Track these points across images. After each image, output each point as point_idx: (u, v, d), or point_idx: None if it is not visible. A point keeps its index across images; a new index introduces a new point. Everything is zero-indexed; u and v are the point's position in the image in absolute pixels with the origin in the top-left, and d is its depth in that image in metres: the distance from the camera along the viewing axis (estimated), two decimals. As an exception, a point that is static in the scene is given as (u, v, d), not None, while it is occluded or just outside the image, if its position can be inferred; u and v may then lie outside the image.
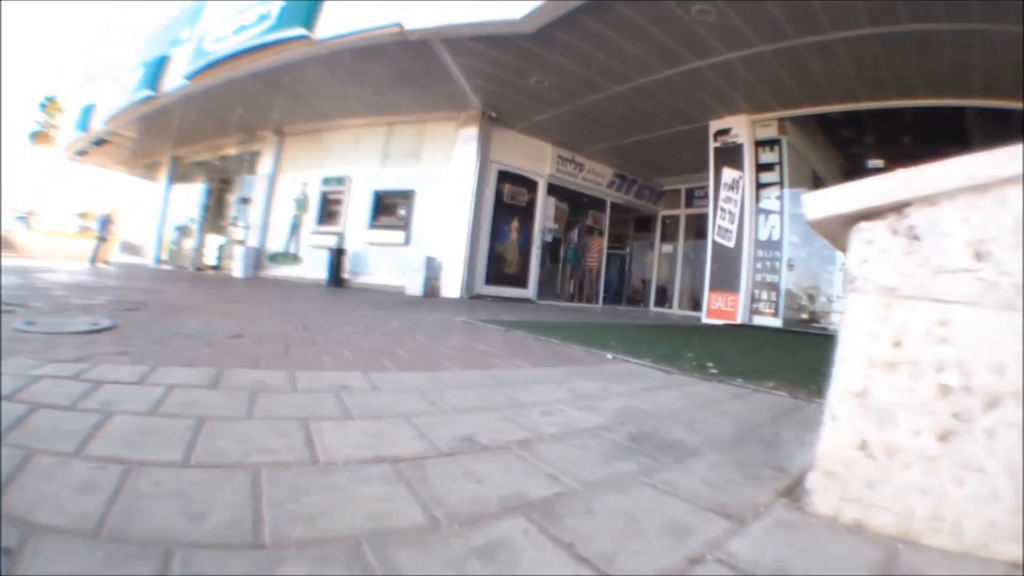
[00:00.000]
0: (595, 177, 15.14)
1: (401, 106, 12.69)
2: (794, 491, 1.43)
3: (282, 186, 15.77)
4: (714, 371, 3.73)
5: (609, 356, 4.11)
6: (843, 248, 1.46)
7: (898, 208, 1.29)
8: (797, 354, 5.73)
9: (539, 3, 7.83)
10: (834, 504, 1.27)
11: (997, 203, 1.18)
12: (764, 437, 2.05)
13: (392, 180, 13.51)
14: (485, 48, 9.33)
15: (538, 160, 13.52)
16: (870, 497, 1.23)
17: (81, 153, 22.27)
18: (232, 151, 17.40)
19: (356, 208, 13.97)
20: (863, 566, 1.07)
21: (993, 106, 8.76)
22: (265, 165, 16.14)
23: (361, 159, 14.04)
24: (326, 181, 14.68)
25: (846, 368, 1.30)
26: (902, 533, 1.19)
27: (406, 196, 13.19)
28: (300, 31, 10.41)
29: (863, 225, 1.34)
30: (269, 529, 0.99)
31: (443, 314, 6.98)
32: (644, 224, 18.27)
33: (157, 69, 14.83)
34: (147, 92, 14.83)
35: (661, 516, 1.23)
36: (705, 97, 10.48)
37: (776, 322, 10.34)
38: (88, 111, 19.72)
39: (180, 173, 20.81)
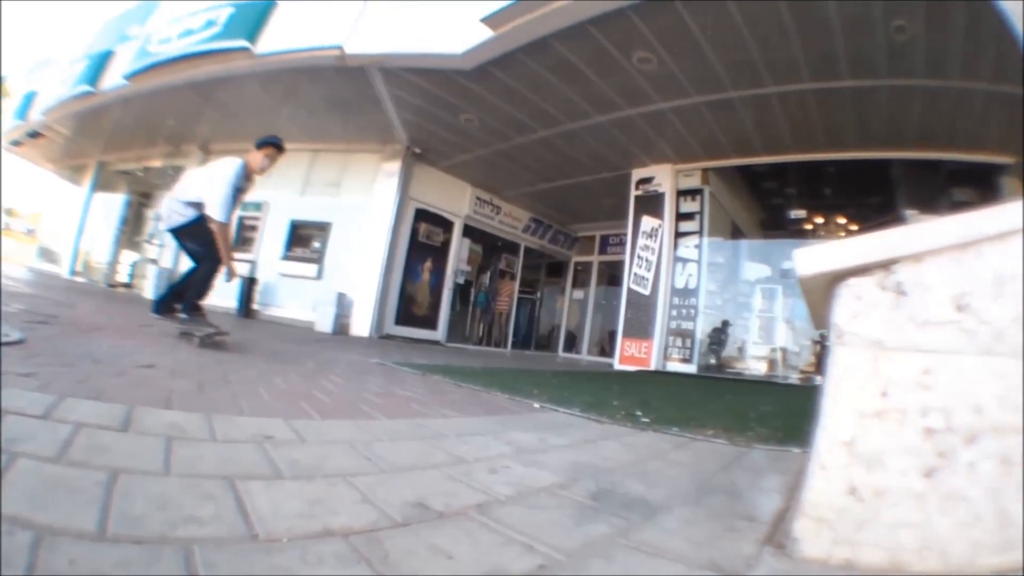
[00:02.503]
0: (511, 221, 15.22)
1: (329, 134, 12.41)
2: (774, 538, 1.46)
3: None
4: (645, 420, 3.72)
5: (536, 405, 4.05)
6: (818, 304, 1.61)
7: (886, 265, 1.37)
8: (720, 400, 5.90)
9: (483, 39, 7.83)
10: (824, 547, 1.30)
11: (976, 258, 1.29)
12: (722, 487, 2.03)
13: (310, 210, 13.10)
14: (421, 81, 9.28)
15: (457, 200, 13.47)
16: (859, 537, 1.28)
17: (16, 143, 20.20)
18: (157, 163, 16.40)
19: (271, 236, 13.41)
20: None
21: (923, 158, 9.33)
22: (182, 182, 15.29)
23: (281, 185, 13.49)
24: (243, 205, 14.08)
25: (834, 420, 1.36)
26: (892, 566, 1.25)
27: (322, 228, 12.80)
28: (242, 43, 10.04)
29: (852, 281, 1.41)
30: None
31: (355, 354, 6.76)
32: (556, 269, 18.44)
33: (100, 64, 13.89)
34: (86, 87, 13.83)
35: (660, 568, 1.19)
36: (632, 145, 10.72)
37: (691, 368, 10.55)
38: (30, 99, 18.11)
39: (104, 180, 19.32)
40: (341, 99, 10.54)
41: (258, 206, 13.74)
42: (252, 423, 2.24)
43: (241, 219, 13.70)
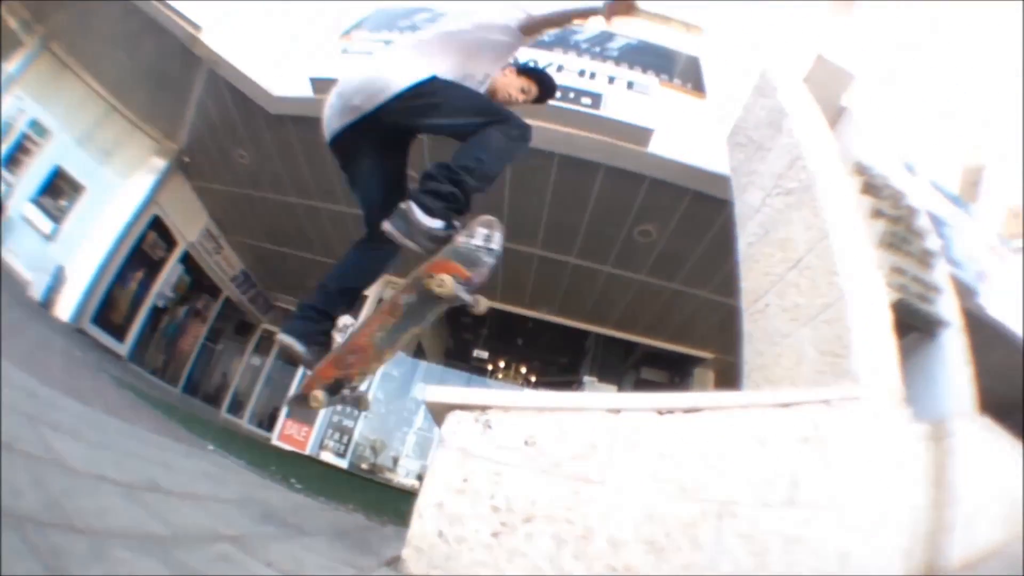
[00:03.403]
0: (226, 265, 14.53)
1: (133, 97, 11.25)
2: (393, 564, 2.06)
3: (8, 100, 12.21)
4: (299, 486, 4.39)
5: (210, 447, 4.53)
6: (440, 420, 2.22)
7: (483, 408, 2.12)
8: (364, 495, 6.57)
9: (301, 95, 8.06)
10: (423, 569, 1.92)
11: (545, 417, 2.09)
12: (359, 536, 2.79)
13: (77, 165, 11.15)
14: (230, 99, 9.08)
15: (191, 223, 12.64)
16: (448, 566, 1.90)
17: None
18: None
19: (39, 170, 11.54)
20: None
21: (622, 337, 10.69)
22: (13, 63, 12.40)
23: (70, 121, 11.63)
24: (32, 123, 11.80)
25: (430, 490, 2.02)
26: (476, 590, 1.87)
27: (77, 190, 11.05)
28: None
29: (457, 412, 2.14)
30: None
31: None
32: (244, 329, 17.72)
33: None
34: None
35: (314, 560, 1.88)
36: (336, 237, 11.10)
37: (343, 463, 10.92)
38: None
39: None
40: (166, 76, 9.87)
41: (43, 131, 11.79)
42: None
43: (24, 136, 11.32)
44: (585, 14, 2.65)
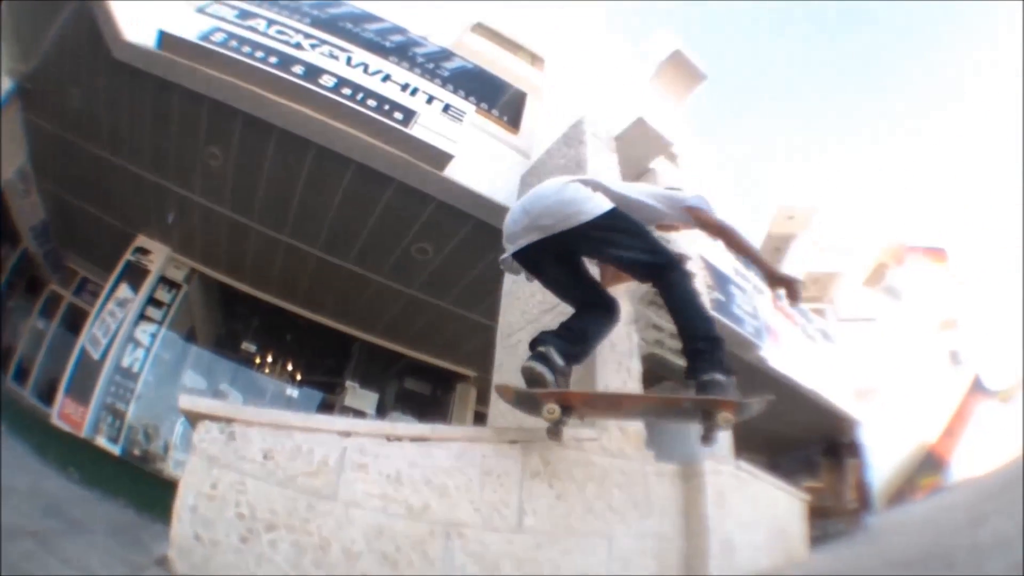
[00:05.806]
0: (29, 214, 12.90)
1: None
2: (162, 563, 2.24)
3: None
4: (76, 475, 4.79)
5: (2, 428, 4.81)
6: (194, 426, 2.40)
7: (228, 420, 2.36)
8: (136, 485, 6.85)
9: (146, 44, 7.43)
10: (187, 569, 2.10)
11: (282, 434, 2.39)
12: (132, 533, 3.25)
13: None
14: (91, 31, 8.04)
15: (11, 157, 10.62)
16: (207, 567, 2.11)
17: None
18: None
19: None
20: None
21: (389, 347, 11.38)
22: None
23: None
24: None
25: (185, 495, 2.22)
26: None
27: None
28: None
29: (207, 422, 2.36)
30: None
31: None
32: (34, 287, 16.51)
33: None
34: None
35: (98, 556, 2.34)
36: (149, 212, 10.68)
37: (116, 449, 10.26)
38: None
39: None
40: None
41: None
42: None
43: None
44: (753, 261, 3.26)
